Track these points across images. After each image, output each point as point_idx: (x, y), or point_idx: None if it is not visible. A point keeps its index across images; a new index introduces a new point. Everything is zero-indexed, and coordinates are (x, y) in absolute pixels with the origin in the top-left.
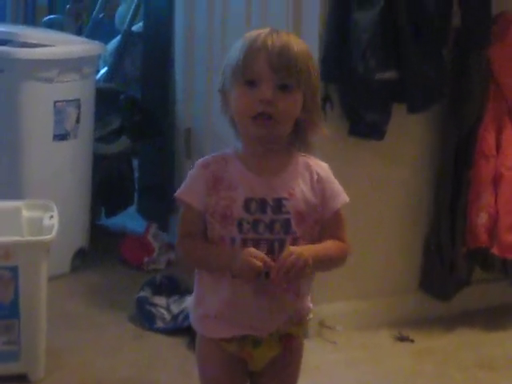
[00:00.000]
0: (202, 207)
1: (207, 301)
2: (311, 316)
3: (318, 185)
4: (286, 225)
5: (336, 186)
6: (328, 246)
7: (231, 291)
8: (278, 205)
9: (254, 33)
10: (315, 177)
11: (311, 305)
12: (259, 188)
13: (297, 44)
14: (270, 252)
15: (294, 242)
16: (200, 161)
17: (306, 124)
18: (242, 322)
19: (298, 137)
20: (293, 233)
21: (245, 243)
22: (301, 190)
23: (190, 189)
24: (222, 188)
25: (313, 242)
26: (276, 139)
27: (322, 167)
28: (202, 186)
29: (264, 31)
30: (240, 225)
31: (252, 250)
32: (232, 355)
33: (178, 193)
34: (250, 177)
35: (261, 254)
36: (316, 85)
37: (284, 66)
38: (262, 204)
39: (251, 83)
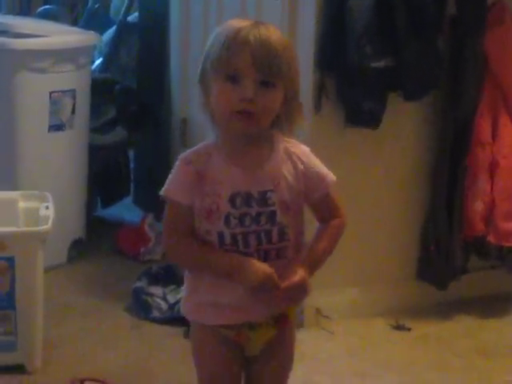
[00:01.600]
0: (190, 202)
1: (197, 287)
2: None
3: (303, 171)
4: (272, 216)
5: (320, 168)
6: (324, 242)
7: (216, 282)
8: (263, 197)
9: (234, 25)
10: (299, 164)
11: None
12: (243, 182)
13: (279, 39)
14: (258, 243)
15: (281, 231)
16: (183, 156)
17: (286, 116)
18: (230, 309)
19: (279, 126)
20: (279, 223)
21: (234, 238)
22: (285, 179)
23: (175, 185)
24: (207, 184)
25: (298, 229)
26: (255, 133)
27: (303, 152)
28: (187, 182)
29: (245, 24)
30: (227, 220)
31: (258, 264)
32: (228, 341)
33: (165, 190)
34: (233, 171)
35: (268, 270)
36: (297, 79)
37: (267, 63)
38: (248, 198)
39: (233, 78)
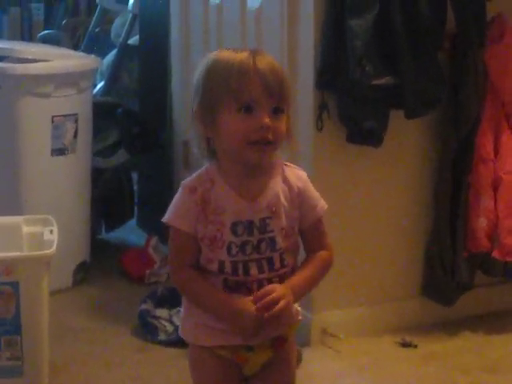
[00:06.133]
0: (193, 231)
1: (194, 313)
2: (301, 317)
3: (298, 197)
4: (272, 242)
5: (314, 194)
6: (310, 271)
7: None
8: (263, 224)
9: (232, 56)
10: (295, 190)
11: (299, 308)
12: (246, 210)
13: (277, 63)
14: (260, 271)
15: (281, 257)
16: (186, 183)
17: (287, 135)
18: (229, 332)
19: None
20: (279, 249)
21: (234, 266)
22: (283, 206)
23: (179, 213)
24: (210, 212)
25: (295, 253)
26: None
27: (300, 178)
28: (191, 210)
29: (244, 54)
30: (229, 248)
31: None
32: (226, 361)
33: (168, 218)
34: (236, 200)
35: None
36: (291, 102)
37: (278, 89)
38: (249, 226)
39: (246, 109)
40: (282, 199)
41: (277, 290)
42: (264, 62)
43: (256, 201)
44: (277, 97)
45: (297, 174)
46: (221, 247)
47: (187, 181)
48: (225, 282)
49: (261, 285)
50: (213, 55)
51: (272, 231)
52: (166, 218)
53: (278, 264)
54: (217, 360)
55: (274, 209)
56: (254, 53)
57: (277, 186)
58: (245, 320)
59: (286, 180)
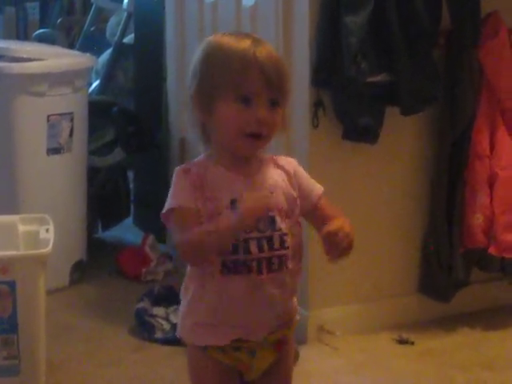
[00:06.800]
0: (194, 206)
1: (196, 309)
2: (298, 317)
3: (295, 179)
4: (272, 222)
5: (307, 176)
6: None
7: (217, 295)
8: None
9: (235, 43)
10: (291, 171)
11: (298, 307)
12: (243, 189)
13: (277, 54)
14: (260, 250)
15: (282, 239)
16: (179, 167)
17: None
18: (232, 324)
19: None
20: (278, 230)
21: (235, 244)
22: (281, 187)
23: (177, 195)
24: (207, 189)
25: (296, 239)
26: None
27: (290, 162)
28: (187, 188)
29: (247, 43)
30: None
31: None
32: (226, 367)
33: (168, 204)
34: (233, 178)
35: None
36: (289, 96)
37: (278, 82)
38: None
39: (245, 99)
40: (279, 181)
41: (345, 226)
42: (265, 52)
43: (253, 179)
44: (275, 89)
45: (287, 160)
46: None
47: (180, 166)
48: (223, 264)
49: (260, 264)
50: (213, 40)
51: (271, 210)
52: (166, 207)
53: (277, 244)
54: (217, 366)
55: (272, 188)
56: (257, 42)
57: (270, 170)
58: (245, 207)
59: (278, 165)
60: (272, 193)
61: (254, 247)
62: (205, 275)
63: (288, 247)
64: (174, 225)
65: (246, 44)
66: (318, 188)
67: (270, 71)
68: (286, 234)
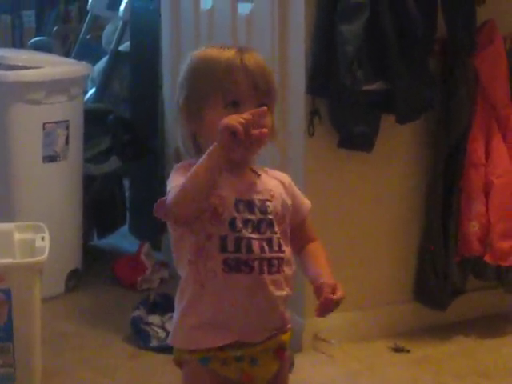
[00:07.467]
0: None
1: (194, 310)
2: (290, 325)
3: (290, 189)
4: (271, 225)
5: (300, 192)
6: (324, 258)
7: (218, 294)
8: (264, 205)
9: (220, 53)
10: (286, 182)
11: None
12: (245, 190)
13: (263, 59)
14: (262, 250)
15: (279, 242)
16: (179, 164)
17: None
18: (231, 325)
19: None
20: (276, 233)
21: (237, 242)
22: (278, 193)
23: (179, 180)
24: None
25: (287, 241)
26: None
27: (286, 177)
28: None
29: (232, 51)
30: (232, 223)
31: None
32: (225, 379)
33: (171, 188)
34: (234, 180)
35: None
36: (276, 99)
37: (266, 87)
38: (250, 205)
39: (234, 105)
40: (276, 188)
41: (337, 288)
42: (251, 58)
43: (253, 182)
44: (263, 93)
45: (281, 173)
46: (222, 222)
47: (180, 163)
48: (225, 262)
49: (262, 264)
50: (198, 53)
51: (270, 213)
52: (166, 196)
53: (276, 247)
54: (215, 378)
55: (271, 193)
56: (241, 50)
57: (267, 178)
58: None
59: (273, 177)
60: (273, 195)
61: (256, 247)
62: (206, 273)
63: (285, 251)
64: (170, 196)
65: (230, 53)
66: (307, 203)
67: (256, 75)
68: (281, 238)
